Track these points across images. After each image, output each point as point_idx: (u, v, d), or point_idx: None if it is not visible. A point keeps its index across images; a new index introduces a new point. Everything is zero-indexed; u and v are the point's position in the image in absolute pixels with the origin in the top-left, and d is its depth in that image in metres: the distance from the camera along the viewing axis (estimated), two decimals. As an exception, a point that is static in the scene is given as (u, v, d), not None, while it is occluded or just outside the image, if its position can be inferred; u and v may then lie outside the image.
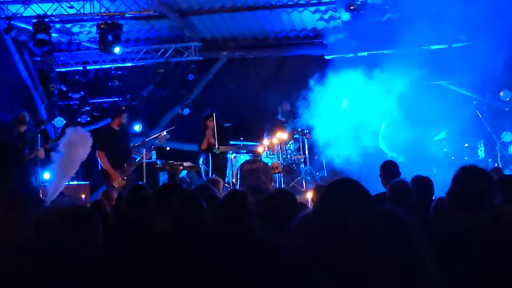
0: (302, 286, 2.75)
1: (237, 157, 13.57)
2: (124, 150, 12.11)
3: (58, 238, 2.47)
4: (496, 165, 11.64)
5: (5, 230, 5.00)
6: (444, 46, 13.86)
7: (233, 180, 12.87)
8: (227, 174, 13.31)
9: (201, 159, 13.59)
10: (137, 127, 15.49)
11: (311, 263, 2.59)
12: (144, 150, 12.31)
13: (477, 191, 3.88)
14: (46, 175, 12.63)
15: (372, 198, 2.69)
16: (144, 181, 11.98)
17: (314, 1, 13.88)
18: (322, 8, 14.10)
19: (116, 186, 11.59)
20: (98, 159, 11.78)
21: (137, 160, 12.22)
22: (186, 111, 15.60)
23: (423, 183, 6.45)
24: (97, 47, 13.86)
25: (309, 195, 9.49)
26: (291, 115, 14.08)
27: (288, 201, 4.64)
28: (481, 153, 12.91)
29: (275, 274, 3.81)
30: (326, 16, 14.37)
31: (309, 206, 7.14)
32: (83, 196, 11.45)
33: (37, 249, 2.51)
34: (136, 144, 13.13)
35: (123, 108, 12.81)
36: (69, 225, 2.50)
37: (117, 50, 13.45)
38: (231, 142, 13.96)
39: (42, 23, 12.92)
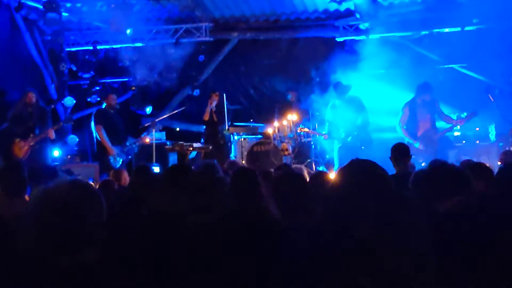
0: (315, 268, 2.73)
1: (248, 139, 13.59)
2: (118, 131, 12.23)
3: (60, 215, 2.46)
4: (507, 149, 11.55)
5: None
6: (456, 29, 13.74)
7: (242, 162, 12.85)
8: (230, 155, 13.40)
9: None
10: (148, 109, 15.49)
11: (328, 242, 2.57)
12: (153, 131, 12.37)
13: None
14: (56, 153, 12.73)
15: (390, 179, 2.66)
16: (154, 161, 12.04)
17: (326, -18, 13.79)
18: (334, -11, 13.99)
19: (112, 161, 11.74)
20: (95, 134, 11.98)
21: (133, 142, 12.32)
22: (197, 92, 15.56)
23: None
24: (108, 26, 13.83)
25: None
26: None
27: (296, 183, 4.61)
28: (492, 137, 12.84)
29: (287, 255, 3.80)
30: (338, -2, 14.27)
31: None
32: (90, 178, 11.55)
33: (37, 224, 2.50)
34: (146, 125, 13.15)
35: (110, 90, 12.95)
36: (71, 202, 2.48)
37: (128, 31, 13.45)
38: (241, 124, 13.99)
39: (52, 2, 12.87)
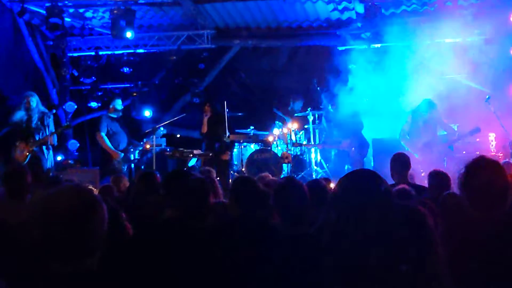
0: (314, 274, 2.74)
1: (247, 146, 13.56)
2: (121, 137, 12.23)
3: (60, 222, 2.46)
4: (507, 160, 11.55)
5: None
6: (458, 40, 13.76)
7: (242, 170, 12.85)
8: (234, 163, 13.34)
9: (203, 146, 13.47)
10: (147, 113, 15.46)
11: (325, 251, 2.58)
12: (154, 137, 12.37)
13: (493, 184, 3.66)
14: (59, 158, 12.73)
15: (389, 190, 2.67)
16: (154, 168, 12.03)
17: (328, -9, 13.82)
18: (336, -2, 14.02)
19: (116, 166, 11.74)
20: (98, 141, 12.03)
21: (135, 148, 12.34)
22: (197, 100, 15.55)
23: (440, 177, 6.52)
24: (110, 32, 13.86)
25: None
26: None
27: (297, 192, 4.62)
28: (492, 148, 12.83)
29: (285, 261, 3.80)
30: (340, 7, 14.26)
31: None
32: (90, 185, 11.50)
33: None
34: (147, 131, 13.15)
35: (115, 95, 12.94)
36: (71, 209, 2.47)
37: (129, 34, 13.43)
38: (241, 131, 13.93)
39: (55, 7, 12.91)
